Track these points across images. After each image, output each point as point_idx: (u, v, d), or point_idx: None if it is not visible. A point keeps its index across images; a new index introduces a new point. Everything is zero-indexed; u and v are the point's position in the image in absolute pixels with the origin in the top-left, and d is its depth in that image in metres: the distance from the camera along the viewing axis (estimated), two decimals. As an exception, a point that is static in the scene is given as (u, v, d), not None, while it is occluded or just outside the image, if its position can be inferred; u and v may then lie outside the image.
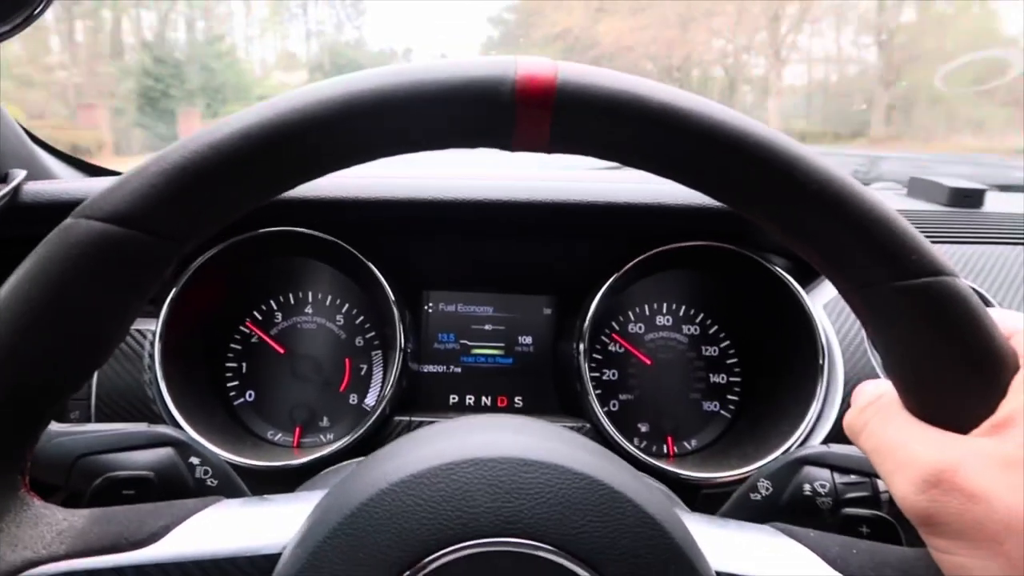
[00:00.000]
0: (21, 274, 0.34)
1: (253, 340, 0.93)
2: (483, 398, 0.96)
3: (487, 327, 0.97)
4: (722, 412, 0.93)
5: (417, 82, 0.35)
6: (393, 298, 0.84)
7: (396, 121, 0.36)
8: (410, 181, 0.85)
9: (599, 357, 0.94)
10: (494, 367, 0.97)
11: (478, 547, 0.34)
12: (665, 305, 0.95)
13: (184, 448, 0.55)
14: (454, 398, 0.96)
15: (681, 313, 0.95)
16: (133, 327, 0.81)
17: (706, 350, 0.94)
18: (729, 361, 0.94)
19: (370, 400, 0.92)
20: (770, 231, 0.38)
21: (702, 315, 0.95)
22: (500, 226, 0.90)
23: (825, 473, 0.55)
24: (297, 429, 0.90)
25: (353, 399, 0.93)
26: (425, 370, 0.96)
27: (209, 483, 0.55)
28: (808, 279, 0.85)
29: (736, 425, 0.92)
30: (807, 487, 0.54)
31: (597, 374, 0.93)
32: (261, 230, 0.82)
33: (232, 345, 0.92)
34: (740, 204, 0.38)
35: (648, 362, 0.94)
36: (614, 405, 0.93)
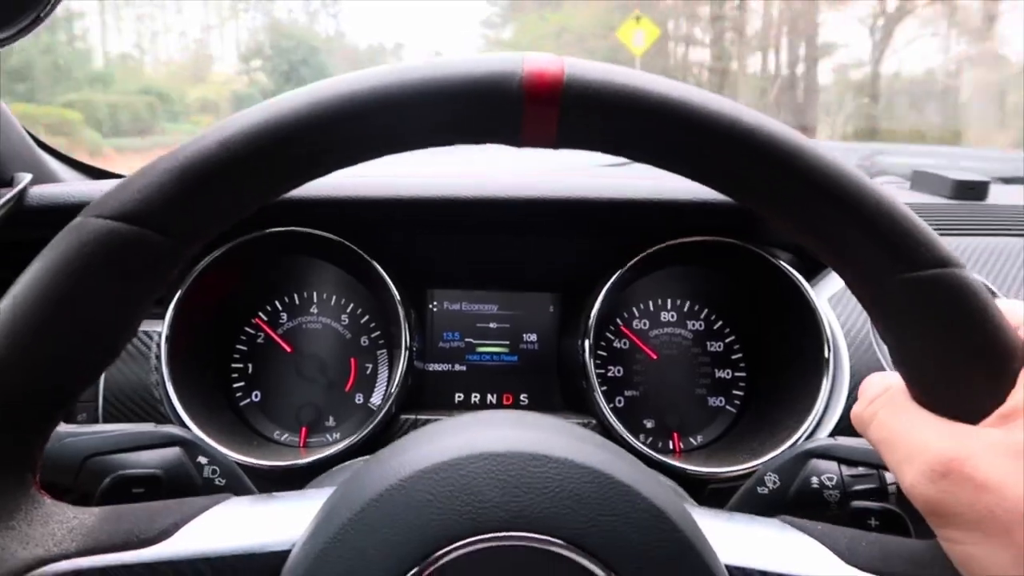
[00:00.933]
0: (31, 275, 0.35)
1: (259, 340, 0.93)
2: (488, 396, 0.96)
3: (492, 325, 0.97)
4: (728, 407, 0.93)
5: (425, 79, 0.35)
6: (398, 297, 0.84)
7: (405, 119, 0.36)
8: (414, 180, 0.85)
9: (604, 354, 0.94)
10: (499, 365, 0.97)
11: (488, 542, 0.35)
12: (670, 301, 0.95)
13: (192, 448, 0.55)
14: (460, 396, 0.96)
15: (686, 309, 0.95)
16: (140, 328, 0.81)
17: (711, 345, 0.94)
18: (734, 356, 0.94)
19: (376, 399, 0.92)
20: (777, 225, 0.38)
21: (707, 311, 0.95)
22: (504, 224, 0.90)
23: (832, 466, 0.54)
24: (303, 429, 0.91)
25: (359, 399, 0.93)
26: (431, 368, 0.96)
27: (217, 482, 0.55)
28: (813, 273, 0.85)
29: (742, 420, 0.92)
30: (814, 480, 0.54)
31: (602, 371, 0.93)
32: (266, 230, 0.82)
33: (238, 346, 0.92)
34: (748, 198, 0.38)
35: (653, 358, 0.94)
36: (620, 402, 0.93)
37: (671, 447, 0.92)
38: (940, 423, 0.36)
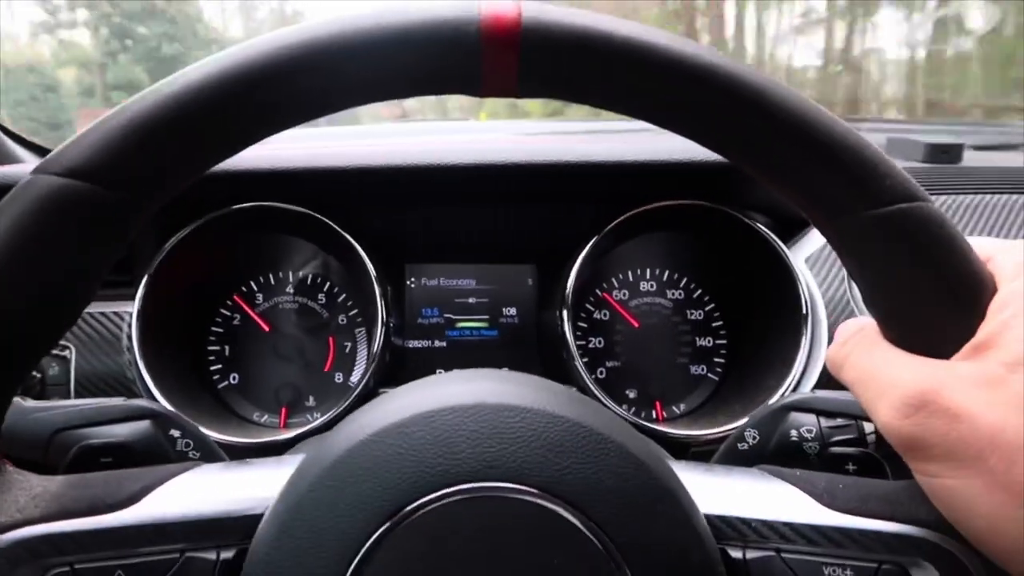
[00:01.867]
0: None
1: (235, 322, 0.92)
2: (469, 371, 0.96)
3: (471, 300, 0.96)
4: (709, 375, 0.93)
5: (380, 27, 0.34)
6: (374, 273, 0.83)
7: (361, 68, 0.35)
8: (386, 148, 0.84)
9: (584, 325, 0.94)
10: (479, 340, 0.96)
11: (461, 493, 0.34)
12: (648, 270, 0.95)
13: (164, 421, 0.54)
14: (440, 372, 0.96)
15: (665, 278, 0.95)
16: (111, 309, 0.80)
17: (691, 314, 0.94)
18: (715, 324, 0.94)
19: (355, 378, 0.91)
20: (743, 166, 0.38)
21: (686, 279, 0.95)
22: (478, 193, 0.90)
23: (811, 418, 0.54)
24: (283, 410, 0.90)
25: (339, 378, 0.92)
26: (411, 346, 0.95)
27: (191, 455, 0.54)
28: (789, 235, 0.85)
29: (724, 387, 0.92)
30: (794, 433, 0.54)
31: (583, 342, 0.93)
32: (236, 206, 0.81)
33: (214, 328, 0.91)
34: (711, 141, 0.37)
35: (634, 327, 0.93)
36: (601, 373, 0.93)
37: (654, 416, 0.92)
38: (911, 359, 0.36)
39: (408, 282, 0.96)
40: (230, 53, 0.35)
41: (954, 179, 0.93)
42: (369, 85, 0.36)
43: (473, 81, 0.36)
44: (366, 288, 0.85)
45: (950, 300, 0.35)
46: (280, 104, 0.35)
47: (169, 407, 0.73)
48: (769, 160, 0.37)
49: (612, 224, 0.84)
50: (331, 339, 0.92)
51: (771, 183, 0.38)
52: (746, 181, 0.80)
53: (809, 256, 0.83)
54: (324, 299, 0.93)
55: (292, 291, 0.93)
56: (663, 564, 0.35)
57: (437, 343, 0.96)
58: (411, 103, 2.17)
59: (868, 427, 0.53)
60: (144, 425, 0.53)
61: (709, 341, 0.94)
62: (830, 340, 0.78)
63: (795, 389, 0.78)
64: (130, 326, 0.78)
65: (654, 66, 0.35)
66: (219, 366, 0.91)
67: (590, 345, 0.93)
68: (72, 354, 0.77)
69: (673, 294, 0.95)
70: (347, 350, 0.92)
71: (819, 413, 0.54)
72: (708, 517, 0.38)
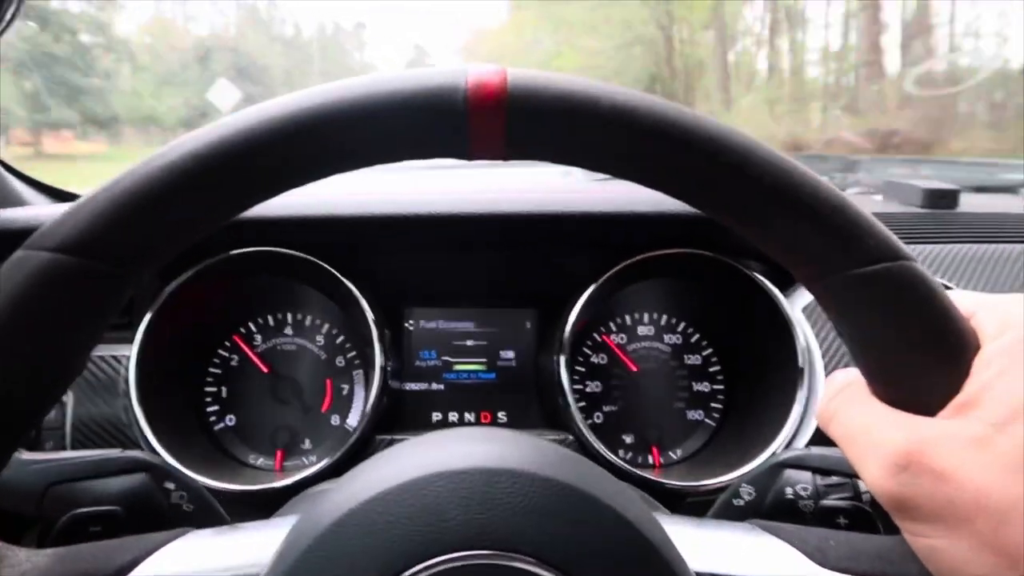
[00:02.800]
0: None
1: (233, 363, 0.92)
2: (466, 414, 0.95)
3: (469, 343, 0.96)
4: (706, 420, 0.93)
5: (369, 95, 0.35)
6: (372, 317, 0.83)
7: (350, 136, 0.36)
8: (388, 197, 0.85)
9: (582, 369, 0.94)
10: (477, 383, 0.96)
11: (451, 561, 0.34)
12: (646, 315, 0.95)
13: (158, 472, 0.54)
14: (437, 415, 0.95)
15: (663, 323, 0.95)
16: (109, 353, 0.80)
17: (689, 359, 0.94)
18: (712, 369, 0.94)
19: (352, 421, 0.91)
20: (731, 226, 0.38)
21: (683, 324, 0.95)
22: (479, 240, 0.90)
23: (806, 475, 0.54)
24: (279, 452, 0.89)
25: (335, 420, 0.92)
26: (408, 388, 0.95)
27: (185, 508, 0.54)
28: (786, 284, 0.85)
29: (721, 433, 0.92)
30: (789, 490, 0.54)
31: (580, 386, 0.93)
32: (235, 251, 0.82)
33: (211, 369, 0.91)
34: (697, 201, 0.38)
35: (631, 371, 0.93)
36: (598, 417, 0.93)
37: (650, 461, 0.91)
38: (897, 416, 0.36)
39: (406, 324, 0.96)
40: (221, 124, 0.35)
41: (952, 226, 0.94)
42: (360, 151, 0.37)
43: (461, 146, 0.37)
44: (364, 332, 0.85)
45: (934, 357, 0.35)
46: (272, 173, 0.36)
47: (164, 452, 0.74)
48: (755, 220, 0.37)
49: (611, 272, 0.84)
50: (328, 381, 0.92)
51: (758, 241, 0.38)
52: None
53: (806, 306, 0.84)
54: (322, 341, 0.93)
55: (291, 333, 0.93)
56: None
57: (435, 386, 0.96)
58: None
59: (863, 485, 0.53)
60: (138, 478, 0.53)
61: (706, 386, 0.94)
62: (827, 390, 0.78)
63: (792, 439, 0.78)
64: (127, 370, 0.78)
65: (638, 130, 0.36)
66: (215, 408, 0.91)
67: (587, 389, 0.93)
68: (69, 399, 0.77)
69: (671, 339, 0.95)
70: (344, 392, 0.92)
71: (814, 470, 0.54)
72: (699, 574, 0.38)
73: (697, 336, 0.95)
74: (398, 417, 0.94)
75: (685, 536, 0.40)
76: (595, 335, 0.94)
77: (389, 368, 0.85)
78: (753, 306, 0.84)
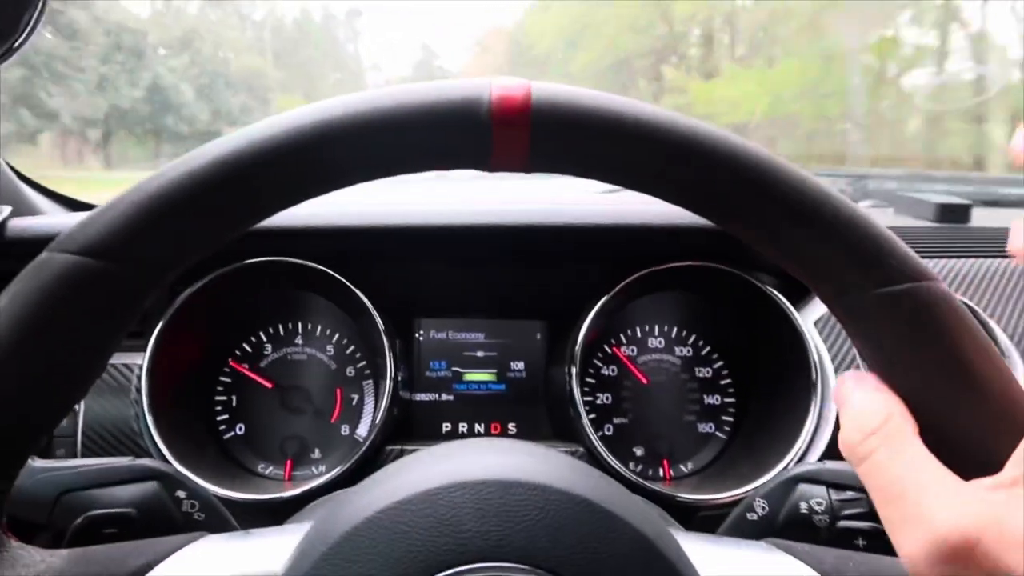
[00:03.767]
0: None
1: (243, 372, 0.92)
2: (476, 425, 0.95)
3: (479, 354, 0.96)
4: (717, 433, 0.92)
5: (394, 107, 0.35)
6: (383, 327, 0.83)
7: (374, 146, 0.36)
8: (399, 208, 0.85)
9: (592, 381, 0.93)
10: (487, 394, 0.96)
11: (467, 573, 0.34)
12: (657, 327, 0.95)
13: (169, 481, 0.54)
14: (447, 426, 0.95)
15: (674, 335, 0.95)
16: (120, 361, 0.80)
17: (699, 371, 0.94)
18: (723, 382, 0.94)
19: (362, 431, 0.91)
20: (751, 243, 0.38)
21: (694, 336, 0.95)
22: (490, 251, 0.90)
23: (821, 490, 0.54)
24: (288, 462, 0.89)
25: (345, 430, 0.92)
26: (417, 398, 0.95)
27: (196, 516, 0.54)
28: (799, 297, 0.85)
29: (732, 446, 0.91)
30: (803, 505, 0.54)
31: (590, 398, 0.93)
32: (248, 261, 0.82)
33: (222, 378, 0.91)
34: (719, 217, 0.38)
35: (642, 384, 0.93)
36: (608, 429, 0.92)
37: (661, 474, 0.91)
38: (951, 482, 0.31)
39: (417, 335, 0.96)
40: (252, 129, 0.35)
41: (964, 240, 0.93)
42: (384, 161, 0.37)
43: (484, 158, 0.37)
44: (375, 342, 0.85)
45: (978, 395, 0.34)
46: (294, 180, 0.36)
47: (174, 461, 0.74)
48: (776, 237, 0.37)
49: (622, 284, 0.84)
50: (339, 391, 0.92)
51: (777, 258, 0.38)
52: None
53: (819, 319, 0.83)
54: (333, 351, 0.93)
55: (301, 342, 0.93)
56: None
57: (444, 396, 0.96)
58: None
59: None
60: (150, 486, 0.53)
61: (717, 399, 0.93)
62: (840, 404, 0.78)
63: (805, 454, 0.77)
64: (139, 378, 0.78)
65: (663, 147, 0.36)
66: (225, 416, 0.91)
67: (598, 401, 0.93)
68: (81, 407, 0.77)
69: (681, 351, 0.94)
70: (354, 402, 0.92)
71: (829, 485, 0.54)
72: None
73: (708, 349, 0.94)
74: (408, 427, 0.94)
75: (701, 553, 0.39)
76: (606, 347, 0.94)
77: (400, 378, 0.85)
78: (765, 319, 0.84)
